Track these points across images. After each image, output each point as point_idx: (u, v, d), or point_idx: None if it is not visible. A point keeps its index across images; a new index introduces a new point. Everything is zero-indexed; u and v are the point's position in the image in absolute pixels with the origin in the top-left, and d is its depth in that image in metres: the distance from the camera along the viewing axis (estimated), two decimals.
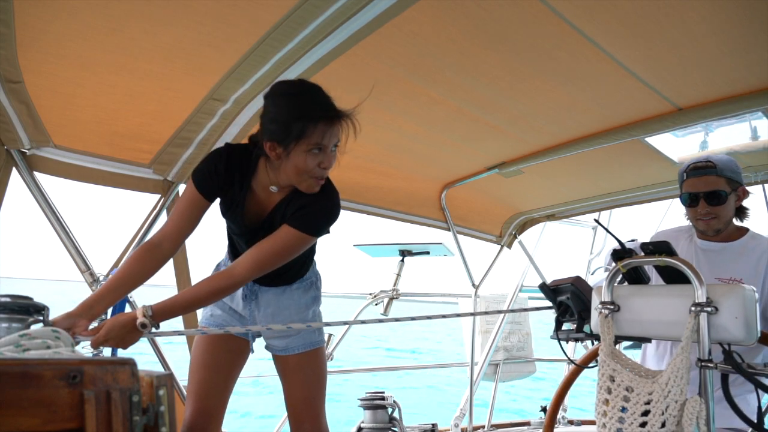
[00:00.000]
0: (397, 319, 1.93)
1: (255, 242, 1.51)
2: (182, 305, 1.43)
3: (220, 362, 1.74)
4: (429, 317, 1.93)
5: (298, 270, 1.76)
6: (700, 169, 1.84)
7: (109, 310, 2.03)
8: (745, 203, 1.91)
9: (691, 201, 1.86)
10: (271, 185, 1.53)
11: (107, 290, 1.43)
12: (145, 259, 1.48)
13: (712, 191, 1.81)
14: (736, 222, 1.92)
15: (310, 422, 1.77)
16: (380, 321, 1.91)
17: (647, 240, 1.76)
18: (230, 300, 1.79)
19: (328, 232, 1.56)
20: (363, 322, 1.81)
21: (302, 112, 1.39)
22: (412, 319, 1.90)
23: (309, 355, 1.78)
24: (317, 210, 1.51)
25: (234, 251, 1.74)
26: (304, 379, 1.78)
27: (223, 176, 1.51)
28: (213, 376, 1.73)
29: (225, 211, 1.61)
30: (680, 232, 2.01)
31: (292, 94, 1.43)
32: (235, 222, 1.61)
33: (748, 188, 1.91)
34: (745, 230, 1.90)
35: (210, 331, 1.70)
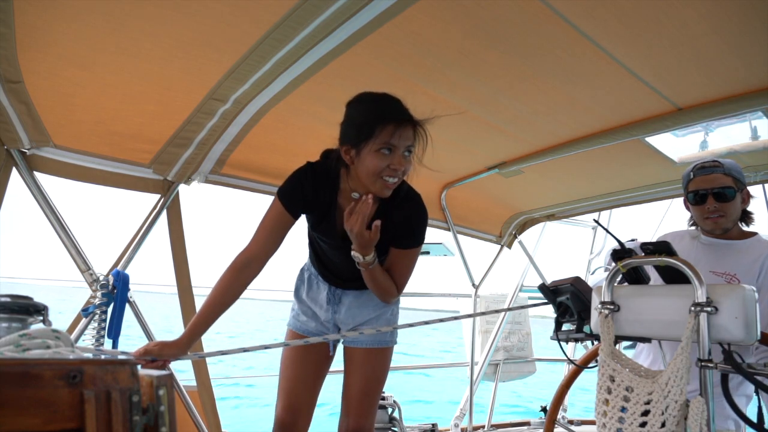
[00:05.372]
0: (393, 327, 1.93)
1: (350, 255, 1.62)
2: None
3: (306, 363, 1.84)
4: (427, 322, 1.93)
5: None
6: (708, 168, 1.85)
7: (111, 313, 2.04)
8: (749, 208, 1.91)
9: (698, 199, 1.85)
10: (352, 192, 1.58)
11: (206, 315, 1.52)
12: (236, 281, 1.54)
13: (720, 188, 1.81)
14: (743, 227, 1.91)
15: (355, 417, 1.78)
16: (377, 330, 1.91)
17: (648, 240, 1.75)
18: (317, 306, 1.87)
19: None
20: (359, 332, 1.81)
21: (374, 114, 1.47)
22: (410, 326, 1.91)
23: (376, 352, 1.83)
24: (418, 224, 1.63)
25: (319, 261, 1.81)
26: (365, 375, 1.81)
27: (311, 193, 1.57)
28: (300, 375, 1.82)
29: (315, 226, 1.68)
30: (686, 233, 2.01)
31: (368, 101, 1.52)
32: (328, 236, 1.67)
33: (748, 188, 1.91)
34: (753, 234, 1.89)
35: (289, 344, 1.79)
